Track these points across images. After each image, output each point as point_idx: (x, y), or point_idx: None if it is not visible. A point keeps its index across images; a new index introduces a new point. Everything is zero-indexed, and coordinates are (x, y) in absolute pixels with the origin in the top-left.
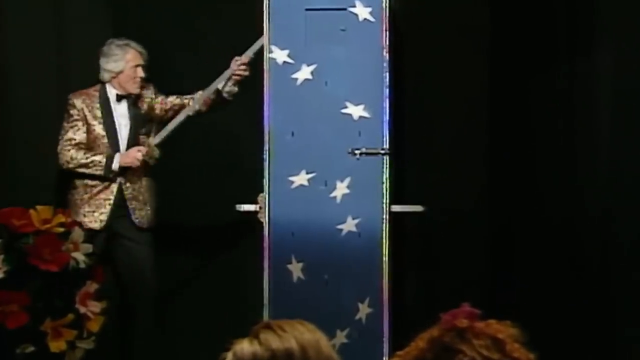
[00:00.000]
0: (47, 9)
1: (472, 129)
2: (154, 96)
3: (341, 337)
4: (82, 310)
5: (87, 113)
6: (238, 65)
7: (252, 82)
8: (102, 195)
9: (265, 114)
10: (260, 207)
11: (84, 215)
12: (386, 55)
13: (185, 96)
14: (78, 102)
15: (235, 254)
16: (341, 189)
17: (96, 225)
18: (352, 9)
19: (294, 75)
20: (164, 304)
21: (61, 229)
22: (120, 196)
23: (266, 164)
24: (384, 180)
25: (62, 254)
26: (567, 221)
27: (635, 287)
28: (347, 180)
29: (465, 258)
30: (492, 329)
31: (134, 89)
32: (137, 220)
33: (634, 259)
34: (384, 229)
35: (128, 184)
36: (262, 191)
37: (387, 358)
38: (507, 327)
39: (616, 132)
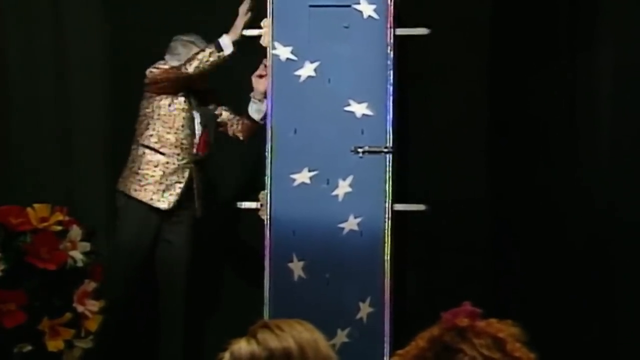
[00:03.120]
0: (46, 9)
1: (475, 127)
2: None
3: (342, 336)
4: (80, 309)
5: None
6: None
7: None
8: (174, 177)
9: (268, 111)
10: (261, 205)
11: (153, 193)
12: (390, 53)
13: (232, 115)
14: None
15: (235, 252)
16: (343, 187)
17: (164, 206)
18: (356, 6)
19: (297, 72)
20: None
21: (59, 228)
22: (190, 182)
23: (268, 161)
24: (387, 178)
25: (59, 252)
26: (571, 221)
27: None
28: (349, 179)
29: (467, 257)
30: (493, 328)
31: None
32: (197, 208)
33: (638, 255)
34: (386, 227)
35: (198, 171)
36: (263, 189)
37: (387, 358)
38: (508, 326)
39: (617, 128)
